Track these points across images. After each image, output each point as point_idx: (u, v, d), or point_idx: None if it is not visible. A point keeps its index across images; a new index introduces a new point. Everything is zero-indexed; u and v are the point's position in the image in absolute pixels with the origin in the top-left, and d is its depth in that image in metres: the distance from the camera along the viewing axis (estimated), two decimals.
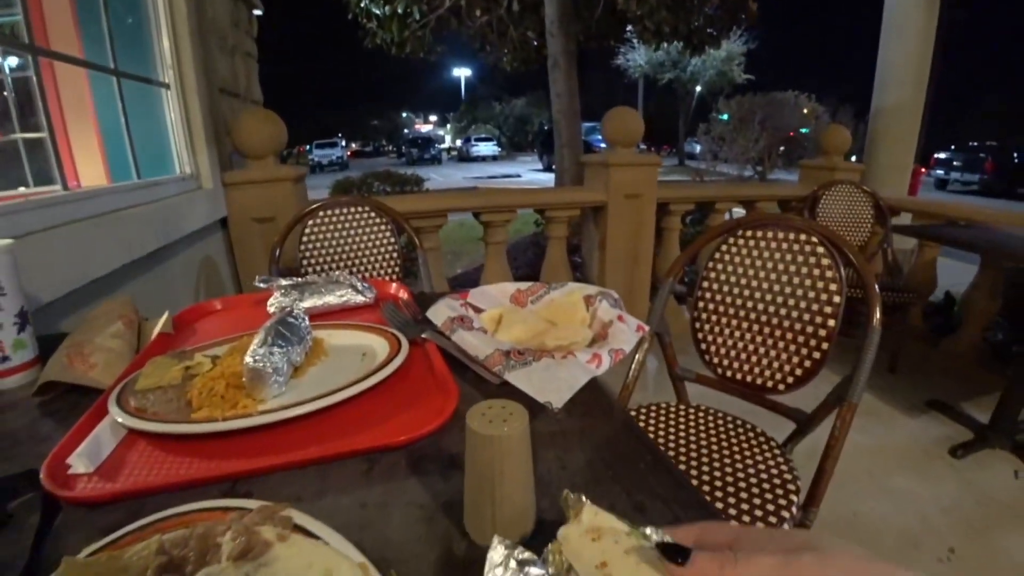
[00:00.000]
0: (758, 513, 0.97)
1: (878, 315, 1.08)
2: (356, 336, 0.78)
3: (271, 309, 0.89)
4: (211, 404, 0.59)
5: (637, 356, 1.37)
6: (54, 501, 0.48)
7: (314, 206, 1.81)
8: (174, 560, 0.36)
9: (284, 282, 0.93)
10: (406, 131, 42.81)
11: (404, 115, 50.91)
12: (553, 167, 18.31)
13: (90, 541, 0.41)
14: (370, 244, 1.87)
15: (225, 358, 0.67)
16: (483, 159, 27.13)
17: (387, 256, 1.89)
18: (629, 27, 7.20)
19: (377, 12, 5.48)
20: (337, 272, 0.99)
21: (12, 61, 1.55)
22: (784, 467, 1.10)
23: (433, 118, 51.58)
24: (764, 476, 1.07)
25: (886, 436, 2.22)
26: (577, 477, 0.49)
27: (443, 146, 33.16)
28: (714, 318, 1.39)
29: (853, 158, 3.84)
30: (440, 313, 0.74)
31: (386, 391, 0.63)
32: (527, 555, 0.34)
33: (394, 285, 1.04)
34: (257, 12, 3.24)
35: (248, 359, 0.60)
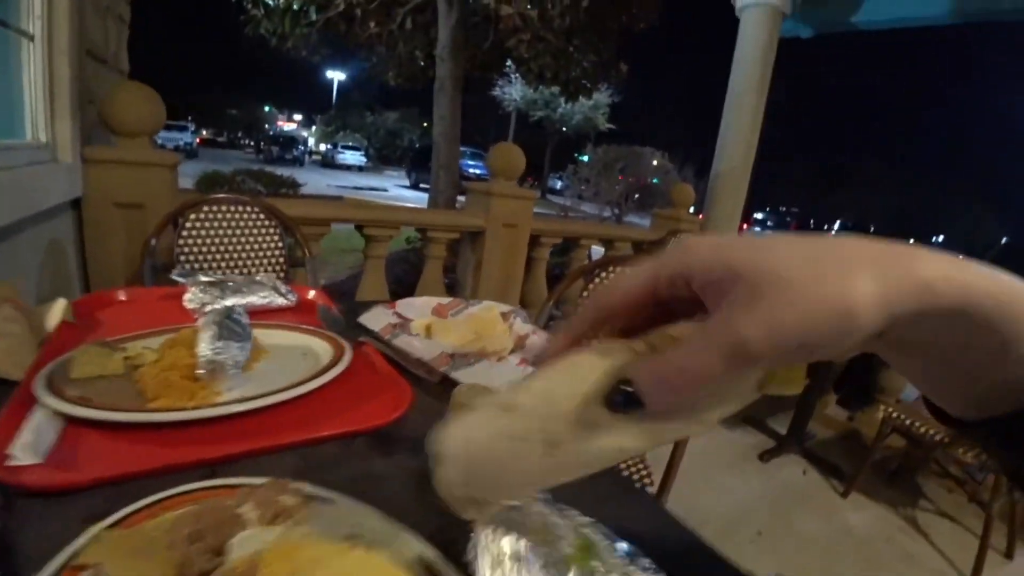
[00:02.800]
0: None
1: None
2: (290, 336, 0.81)
3: (190, 306, 0.88)
4: (169, 394, 0.60)
5: None
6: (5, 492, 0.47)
7: (200, 199, 1.72)
8: (191, 534, 0.40)
9: (204, 278, 0.92)
10: (267, 126, 40.03)
11: (267, 109, 47.57)
12: (420, 185, 18.31)
13: (66, 531, 0.42)
14: (256, 246, 1.82)
15: (167, 350, 0.67)
16: (348, 168, 26.26)
17: (272, 260, 1.84)
18: (509, 62, 7.63)
19: (269, 1, 5.20)
20: (261, 274, 0.99)
21: None
22: (640, 464, 1.31)
23: (298, 117, 48.81)
24: (625, 473, 1.27)
25: (713, 444, 2.69)
26: None
27: (306, 148, 31.51)
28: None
29: (691, 209, 4.51)
30: (378, 319, 0.81)
31: (339, 386, 0.68)
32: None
33: (313, 292, 1.07)
34: None
35: (207, 351, 0.62)
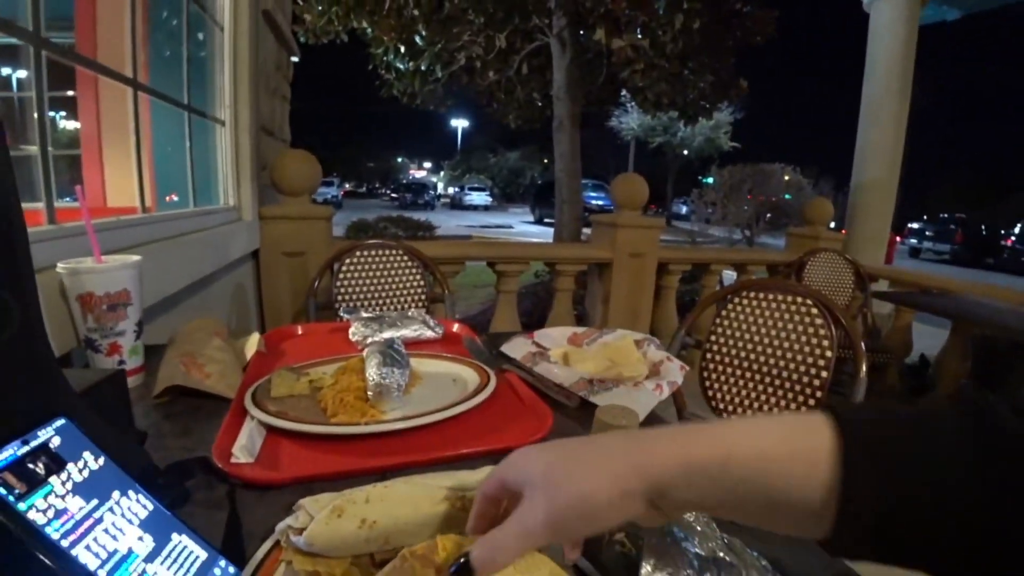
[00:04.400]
0: None
1: (864, 368, 1.23)
2: (441, 365, 0.89)
3: (355, 338, 1.01)
4: (345, 412, 0.69)
5: None
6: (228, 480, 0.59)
7: (352, 245, 1.94)
8: None
9: (364, 315, 1.05)
10: (401, 175, 43.64)
11: (399, 159, 51.93)
12: (544, 220, 18.65)
13: (271, 516, 0.51)
14: (400, 285, 1.99)
15: (340, 376, 0.78)
16: (475, 208, 27.61)
17: (415, 297, 2.00)
18: (624, 92, 7.64)
19: (400, 66, 5.79)
20: (412, 310, 1.11)
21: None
22: None
23: (427, 164, 52.61)
24: None
25: None
26: None
27: (437, 192, 33.72)
28: (720, 368, 1.54)
29: (832, 225, 4.13)
30: (519, 348, 0.86)
31: (485, 409, 0.74)
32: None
33: (457, 325, 1.16)
34: (294, 59, 3.46)
35: (375, 376, 0.71)
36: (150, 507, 0.40)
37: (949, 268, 14.60)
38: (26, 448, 0.35)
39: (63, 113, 1.74)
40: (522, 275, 2.86)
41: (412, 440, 0.66)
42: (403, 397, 0.75)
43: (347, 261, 1.93)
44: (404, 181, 34.48)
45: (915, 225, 18.39)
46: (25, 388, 0.38)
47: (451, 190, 33.84)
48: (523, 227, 18.81)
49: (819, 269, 3.36)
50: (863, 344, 1.33)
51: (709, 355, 1.57)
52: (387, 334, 1.00)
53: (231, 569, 0.42)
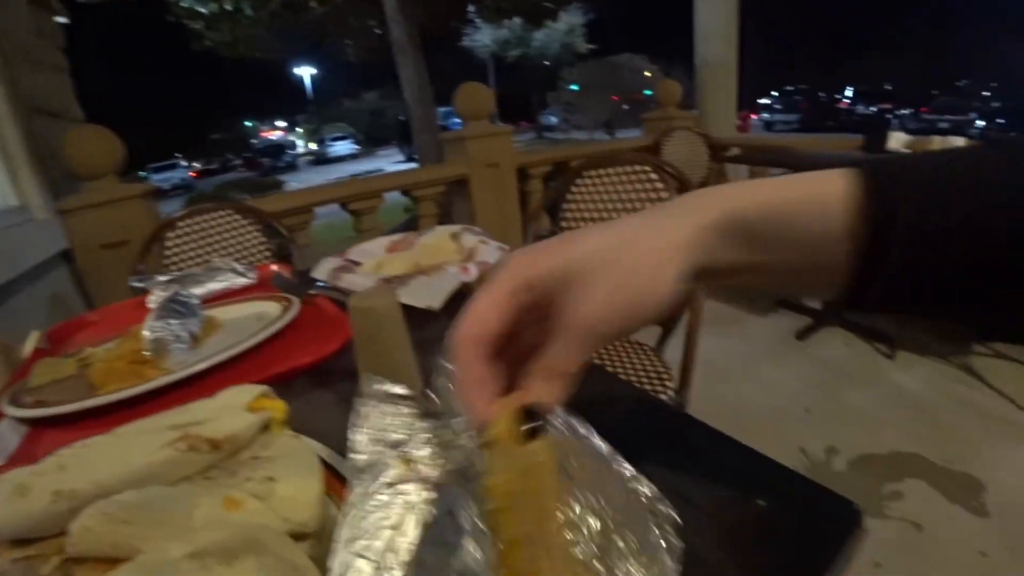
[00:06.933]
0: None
1: None
2: (247, 307, 0.82)
3: (153, 306, 0.90)
4: (115, 380, 0.61)
5: None
6: None
7: (171, 218, 1.73)
8: None
9: (162, 278, 0.94)
10: (253, 141, 39.97)
11: (248, 124, 47.42)
12: (414, 157, 18.03)
13: None
14: (239, 247, 1.82)
15: (118, 345, 0.69)
16: (341, 159, 26.07)
17: (257, 258, 1.85)
18: (471, 7, 7.32)
19: (202, 10, 5.08)
20: (216, 260, 1.00)
21: None
22: (657, 362, 1.29)
23: (281, 124, 48.39)
24: (643, 372, 1.26)
25: (747, 334, 2.62)
26: None
27: (298, 151, 31.36)
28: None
29: (696, 112, 4.32)
30: (324, 267, 0.81)
31: (288, 336, 0.69)
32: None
33: (275, 266, 1.08)
34: (61, 20, 2.91)
35: (147, 332, 0.63)
36: None
37: (798, 135, 16.17)
38: None
39: None
40: (392, 216, 2.74)
41: (204, 390, 0.60)
42: (194, 349, 0.68)
43: (170, 236, 1.73)
44: (259, 146, 31.68)
45: (765, 100, 20.47)
46: None
47: (312, 145, 31.67)
48: (394, 168, 18.08)
49: (676, 147, 3.53)
50: None
51: None
52: (194, 290, 0.90)
53: None
